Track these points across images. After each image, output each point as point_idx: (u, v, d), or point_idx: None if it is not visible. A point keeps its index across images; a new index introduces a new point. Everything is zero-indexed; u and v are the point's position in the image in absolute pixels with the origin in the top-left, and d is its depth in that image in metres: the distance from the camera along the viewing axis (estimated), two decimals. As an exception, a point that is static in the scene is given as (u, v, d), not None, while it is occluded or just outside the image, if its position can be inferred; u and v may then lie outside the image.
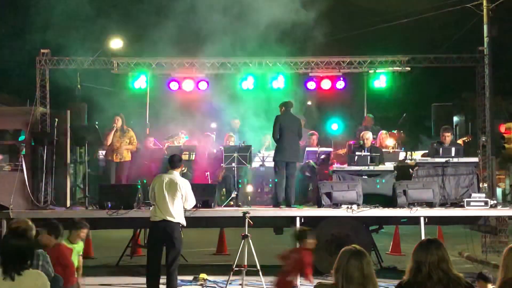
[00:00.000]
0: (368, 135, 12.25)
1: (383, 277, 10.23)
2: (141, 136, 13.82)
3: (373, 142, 12.37)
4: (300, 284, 10.03)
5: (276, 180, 11.40)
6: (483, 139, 13.56)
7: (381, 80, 14.12)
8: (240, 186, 12.03)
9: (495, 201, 11.19)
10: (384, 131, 13.53)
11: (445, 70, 15.27)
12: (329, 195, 10.76)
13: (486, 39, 14.53)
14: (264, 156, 12.75)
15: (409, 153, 12.79)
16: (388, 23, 18.32)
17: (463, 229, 12.46)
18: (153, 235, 8.76)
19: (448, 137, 11.86)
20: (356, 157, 11.59)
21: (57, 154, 11.72)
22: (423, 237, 5.58)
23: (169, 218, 8.51)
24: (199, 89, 14.31)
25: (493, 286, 4.70)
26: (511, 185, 31.83)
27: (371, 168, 11.46)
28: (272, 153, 12.07)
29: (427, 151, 12.46)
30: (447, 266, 4.12)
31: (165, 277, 8.65)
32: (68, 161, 12.36)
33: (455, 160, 11.35)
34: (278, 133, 11.29)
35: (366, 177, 11.45)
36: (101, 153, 13.30)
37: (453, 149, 11.48)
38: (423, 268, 4.08)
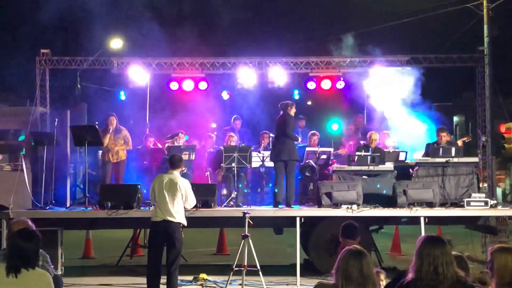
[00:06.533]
0: (375, 136, 12.28)
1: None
2: (141, 136, 13.82)
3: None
4: (300, 284, 10.07)
5: (275, 179, 11.38)
6: (483, 139, 13.56)
7: (380, 80, 14.11)
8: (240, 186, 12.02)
9: (495, 201, 11.17)
10: (385, 131, 13.55)
11: (445, 70, 15.26)
12: (329, 195, 10.74)
13: (486, 39, 14.54)
14: (264, 156, 12.74)
15: (409, 153, 12.80)
16: (388, 23, 18.33)
17: (463, 229, 12.46)
18: (154, 235, 8.76)
19: (444, 137, 11.85)
20: (356, 157, 11.60)
21: (57, 154, 11.71)
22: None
23: (169, 218, 8.51)
24: (199, 89, 14.32)
25: None
26: (511, 185, 31.86)
27: (371, 168, 11.46)
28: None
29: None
30: (455, 267, 4.05)
31: (165, 277, 8.65)
32: (68, 161, 12.35)
33: (455, 160, 11.35)
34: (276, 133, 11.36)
35: (366, 177, 11.45)
36: (100, 153, 13.30)
37: (453, 149, 11.48)
38: (439, 267, 3.94)
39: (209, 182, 11.99)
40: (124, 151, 12.37)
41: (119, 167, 12.31)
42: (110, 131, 12.18)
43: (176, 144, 12.80)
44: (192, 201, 8.85)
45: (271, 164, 11.89)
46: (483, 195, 11.11)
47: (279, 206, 11.09)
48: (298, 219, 10.44)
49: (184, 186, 8.69)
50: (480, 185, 12.19)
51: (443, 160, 11.31)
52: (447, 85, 26.82)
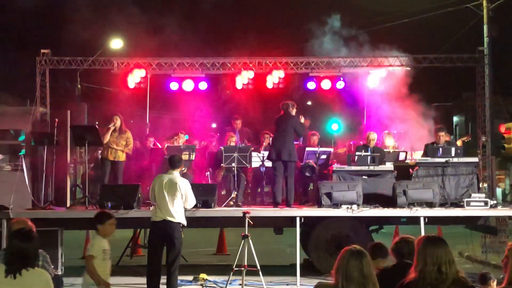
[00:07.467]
0: (374, 136, 12.28)
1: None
2: (141, 136, 13.81)
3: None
4: (300, 284, 10.07)
5: (275, 179, 11.38)
6: (483, 139, 13.56)
7: (381, 80, 14.11)
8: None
9: (495, 201, 11.17)
10: (385, 131, 13.55)
11: (445, 70, 15.27)
12: (329, 195, 10.74)
13: (486, 39, 14.55)
14: (264, 156, 12.74)
15: (409, 153, 12.80)
16: (388, 23, 18.32)
17: (463, 229, 12.47)
18: (154, 235, 8.77)
19: (442, 136, 11.83)
20: (356, 157, 11.59)
21: (57, 154, 11.70)
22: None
23: (169, 218, 8.51)
24: (199, 89, 14.32)
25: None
26: (511, 185, 31.84)
27: (371, 168, 11.45)
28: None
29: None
30: (456, 266, 4.05)
31: (165, 277, 8.65)
32: (68, 161, 12.35)
33: (455, 160, 11.35)
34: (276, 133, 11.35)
35: (366, 177, 11.44)
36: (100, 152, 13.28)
37: (452, 149, 11.48)
38: (442, 266, 3.95)
39: (209, 182, 11.99)
40: (124, 153, 12.30)
41: (117, 166, 12.23)
42: (111, 127, 12.07)
43: (176, 144, 12.79)
44: (192, 201, 8.84)
45: (271, 164, 11.88)
46: (483, 195, 11.11)
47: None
48: (298, 219, 10.44)
49: (184, 186, 8.69)
50: (480, 185, 12.19)
51: (443, 160, 11.31)
52: (447, 85, 26.84)
